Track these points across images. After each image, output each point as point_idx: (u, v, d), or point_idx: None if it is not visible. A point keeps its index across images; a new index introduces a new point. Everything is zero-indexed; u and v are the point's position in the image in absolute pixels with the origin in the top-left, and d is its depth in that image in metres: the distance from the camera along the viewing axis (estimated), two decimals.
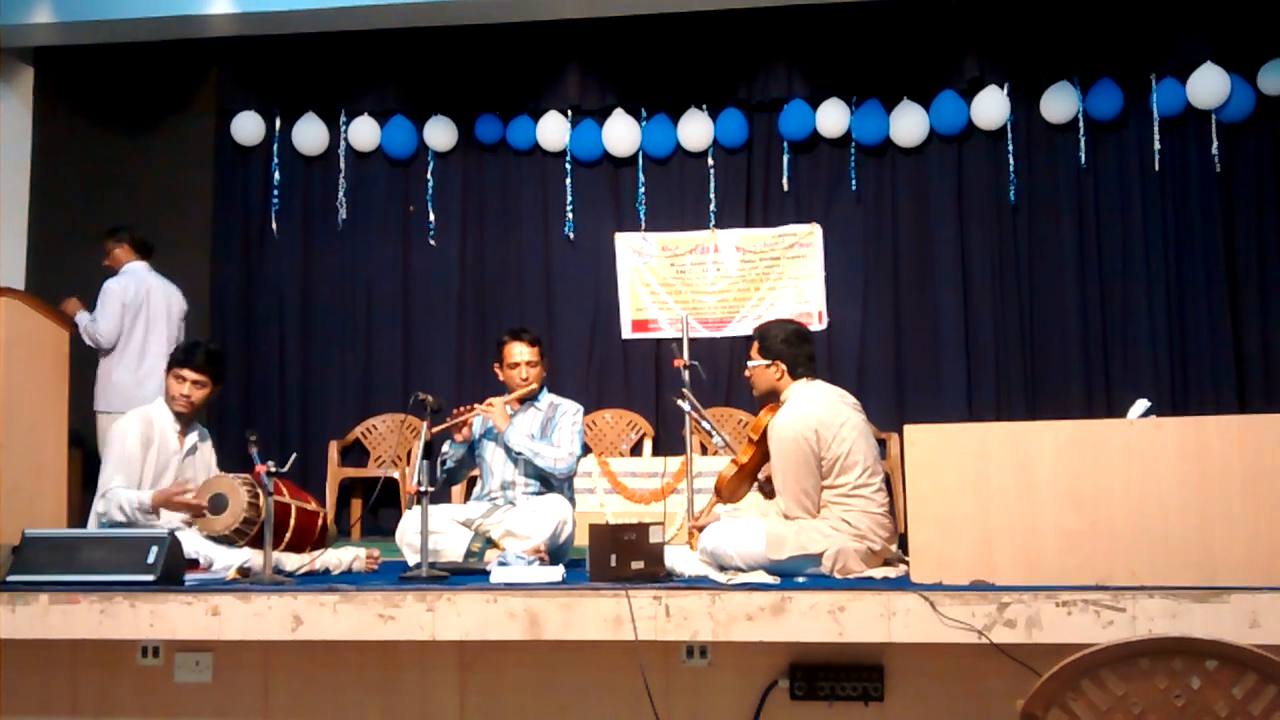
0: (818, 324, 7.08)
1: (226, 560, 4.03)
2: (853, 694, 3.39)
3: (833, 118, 7.08)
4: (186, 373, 4.43)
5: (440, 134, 7.44)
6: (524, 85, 7.35)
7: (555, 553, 4.43)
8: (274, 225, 7.54)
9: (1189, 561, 3.35)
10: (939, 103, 7.02)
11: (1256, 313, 6.72)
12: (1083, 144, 6.93)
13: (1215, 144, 6.75)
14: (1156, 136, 6.85)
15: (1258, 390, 6.62)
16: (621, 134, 7.28)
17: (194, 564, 4.02)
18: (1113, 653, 2.09)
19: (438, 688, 3.61)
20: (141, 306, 6.04)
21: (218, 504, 4.13)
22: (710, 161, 7.30)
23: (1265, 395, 6.55)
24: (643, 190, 7.36)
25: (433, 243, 7.48)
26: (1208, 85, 6.67)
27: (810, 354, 4.19)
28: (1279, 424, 3.47)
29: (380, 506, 6.95)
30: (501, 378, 4.85)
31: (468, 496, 5.35)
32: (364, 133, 7.48)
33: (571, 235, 7.39)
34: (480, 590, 3.45)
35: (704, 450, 6.12)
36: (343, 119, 7.53)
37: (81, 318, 5.82)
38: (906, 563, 3.78)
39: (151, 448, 4.38)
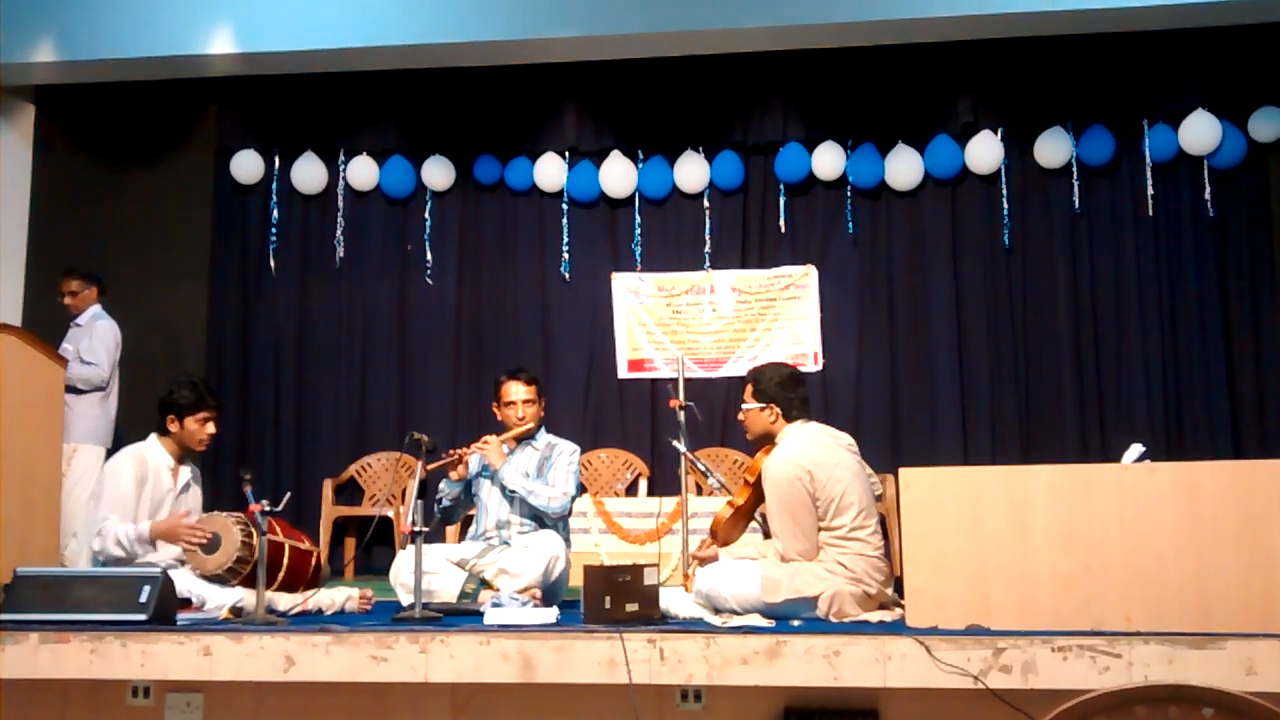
0: (813, 365, 7.09)
1: (219, 600, 4.02)
2: None
3: (828, 160, 7.14)
4: (208, 413, 4.48)
5: (438, 174, 7.49)
6: (522, 127, 7.41)
7: (549, 590, 4.41)
8: (272, 263, 7.56)
9: (1185, 607, 3.34)
10: (934, 147, 7.08)
11: (1250, 358, 6.75)
12: (1076, 188, 6.99)
13: (1208, 189, 6.81)
14: (1149, 182, 6.91)
15: (1252, 435, 6.64)
16: (618, 175, 7.33)
17: (186, 603, 3.99)
18: (1109, 699, 2.08)
19: None
20: (119, 346, 6.22)
21: (211, 543, 4.11)
22: (706, 203, 7.35)
23: (1259, 440, 6.57)
24: (639, 231, 7.40)
25: (430, 282, 7.51)
26: (1199, 131, 6.75)
27: (804, 397, 4.19)
28: (1274, 470, 3.47)
29: (374, 546, 6.93)
30: (499, 417, 4.85)
31: (462, 536, 5.33)
32: (362, 172, 7.53)
33: (568, 275, 7.41)
34: (474, 632, 3.43)
35: (699, 491, 6.11)
36: (341, 158, 7.57)
37: (74, 368, 5.84)
38: (902, 606, 3.76)
39: (146, 486, 4.38)
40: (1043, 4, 6.41)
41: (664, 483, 6.87)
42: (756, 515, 4.26)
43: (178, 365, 6.60)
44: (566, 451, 4.80)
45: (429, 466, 4.38)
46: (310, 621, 3.86)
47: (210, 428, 4.49)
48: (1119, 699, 2.08)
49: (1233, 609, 3.31)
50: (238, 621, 3.73)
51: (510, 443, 4.76)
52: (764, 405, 4.12)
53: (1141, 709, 2.07)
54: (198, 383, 4.54)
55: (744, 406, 4.18)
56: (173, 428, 4.45)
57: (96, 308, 6.29)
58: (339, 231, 7.57)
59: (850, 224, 7.21)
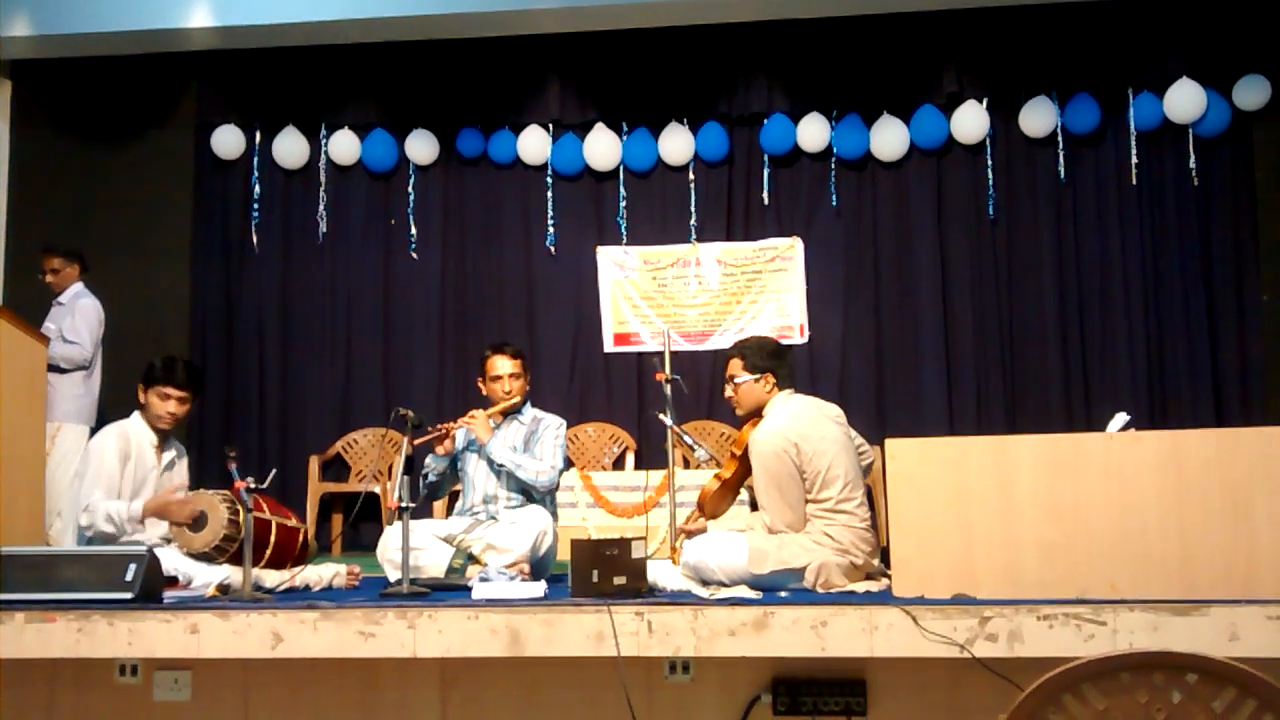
0: (799, 337, 7.10)
1: (206, 577, 4.01)
2: (835, 709, 3.39)
3: (813, 132, 7.12)
4: (170, 390, 4.42)
5: (421, 147, 7.44)
6: (505, 99, 7.36)
7: (537, 564, 4.42)
8: (254, 239, 7.52)
9: (1168, 574, 3.36)
10: (919, 117, 7.06)
11: (1233, 326, 6.78)
12: (1061, 158, 6.99)
13: (1192, 158, 6.82)
14: (1134, 151, 6.91)
15: (1234, 403, 6.68)
16: (603, 148, 7.29)
17: (173, 581, 3.98)
18: (1094, 667, 2.09)
19: (419, 705, 3.59)
20: (103, 324, 6.17)
21: (198, 521, 4.10)
22: (691, 175, 7.32)
23: (1242, 408, 6.62)
24: (624, 204, 7.37)
25: (414, 256, 7.48)
26: (1184, 100, 6.74)
27: (791, 367, 4.21)
28: (1257, 437, 3.49)
29: (361, 521, 6.92)
30: (484, 391, 4.84)
31: (449, 511, 5.33)
32: (344, 146, 7.47)
33: (553, 249, 7.39)
34: (462, 607, 3.43)
35: (686, 464, 6.12)
36: (323, 132, 7.52)
37: (56, 347, 5.79)
38: (888, 577, 3.78)
39: (129, 463, 4.36)
40: None
41: (651, 456, 6.88)
42: (744, 488, 4.26)
43: (160, 343, 6.56)
44: (553, 425, 4.79)
45: (415, 442, 4.37)
46: (298, 598, 3.86)
47: (171, 406, 4.41)
48: (1104, 666, 2.09)
49: (1216, 576, 3.34)
50: (225, 599, 3.73)
51: (497, 417, 4.76)
52: (758, 376, 4.12)
53: (1126, 676, 2.08)
54: (173, 359, 4.50)
55: (736, 380, 4.16)
56: (142, 399, 4.43)
57: (79, 286, 6.25)
58: (321, 206, 7.52)
59: (835, 195, 7.20)
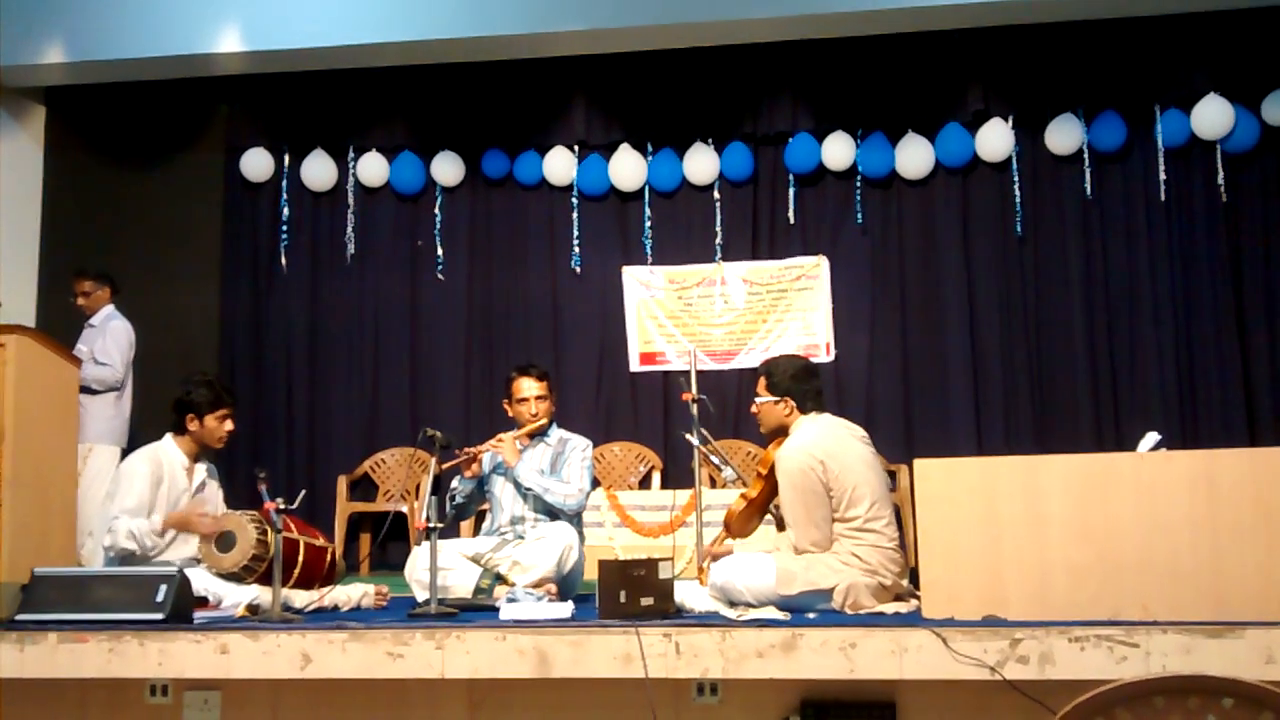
0: (825, 356, 7.08)
1: (235, 598, 4.03)
2: None
3: (838, 151, 7.12)
4: (228, 409, 4.52)
5: (448, 169, 7.49)
6: (531, 121, 7.41)
7: (563, 583, 4.42)
8: (283, 261, 7.58)
9: (1202, 596, 3.32)
10: (944, 135, 7.05)
11: (1265, 343, 6.71)
12: (1088, 175, 6.95)
13: (1221, 174, 6.77)
14: (1162, 167, 6.87)
15: (1267, 421, 6.60)
16: (628, 168, 7.32)
17: (203, 602, 4.01)
18: (1127, 690, 2.07)
19: None
20: (133, 346, 6.22)
21: (226, 541, 4.13)
22: (716, 195, 7.33)
23: (1274, 426, 6.53)
24: (649, 224, 7.39)
25: (441, 277, 7.52)
26: (1212, 116, 6.70)
27: (818, 389, 4.18)
28: None
29: (389, 541, 6.94)
30: (510, 413, 4.85)
31: (477, 531, 5.34)
32: (372, 168, 7.53)
33: (579, 269, 7.41)
34: (489, 627, 3.44)
35: (713, 483, 6.11)
36: (351, 155, 7.59)
37: (88, 368, 5.86)
38: (918, 597, 3.75)
39: (161, 486, 4.39)
40: None
41: (677, 476, 6.87)
42: (771, 508, 4.25)
43: (191, 364, 6.60)
44: (579, 447, 4.80)
45: (444, 465, 4.38)
46: (326, 618, 3.87)
47: (229, 425, 4.53)
48: (1138, 690, 2.07)
49: (1250, 597, 3.29)
50: (254, 619, 3.75)
51: (524, 439, 4.77)
52: (778, 398, 4.11)
53: (1160, 700, 2.06)
54: (213, 380, 4.57)
55: (758, 400, 4.18)
56: (192, 426, 4.47)
57: (110, 308, 6.32)
58: (349, 228, 7.58)
59: (861, 214, 7.19)
